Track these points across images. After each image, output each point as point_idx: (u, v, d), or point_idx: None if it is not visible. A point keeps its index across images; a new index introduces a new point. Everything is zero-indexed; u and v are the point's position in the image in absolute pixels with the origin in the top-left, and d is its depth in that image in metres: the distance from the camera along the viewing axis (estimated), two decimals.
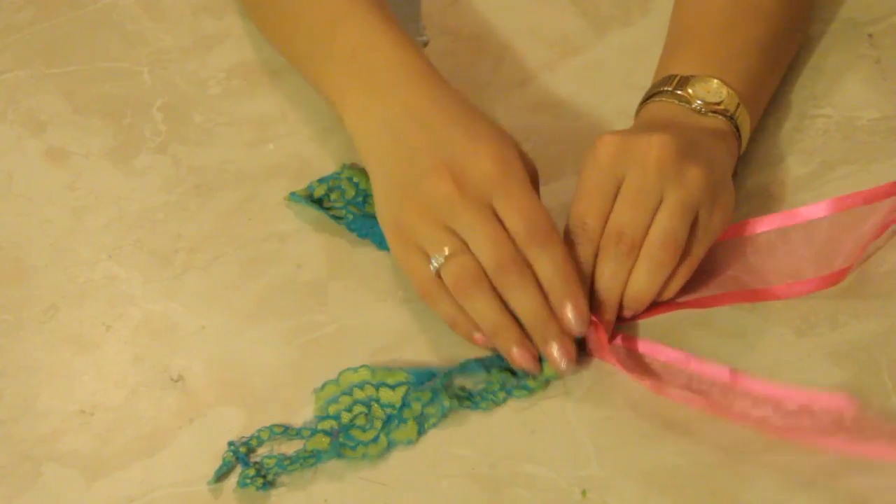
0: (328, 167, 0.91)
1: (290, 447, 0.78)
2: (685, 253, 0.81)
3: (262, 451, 0.78)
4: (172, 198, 0.91)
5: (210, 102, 0.96)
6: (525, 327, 0.80)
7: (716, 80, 0.86)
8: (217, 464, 0.77)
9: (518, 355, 0.80)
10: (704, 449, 0.77)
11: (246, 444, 0.78)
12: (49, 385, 0.82)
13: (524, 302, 0.79)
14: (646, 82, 0.95)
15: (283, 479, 0.77)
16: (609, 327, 0.81)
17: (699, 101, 0.85)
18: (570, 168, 0.90)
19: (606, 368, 0.81)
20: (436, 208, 0.80)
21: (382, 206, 0.83)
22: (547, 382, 0.80)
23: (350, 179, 0.90)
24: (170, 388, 0.81)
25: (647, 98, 0.88)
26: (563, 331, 0.80)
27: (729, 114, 0.85)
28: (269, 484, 0.76)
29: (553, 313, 0.80)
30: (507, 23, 1.00)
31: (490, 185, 0.80)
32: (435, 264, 0.80)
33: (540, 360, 0.80)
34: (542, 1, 1.02)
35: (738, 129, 0.86)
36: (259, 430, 0.78)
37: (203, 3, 1.03)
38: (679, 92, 0.86)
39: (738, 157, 0.87)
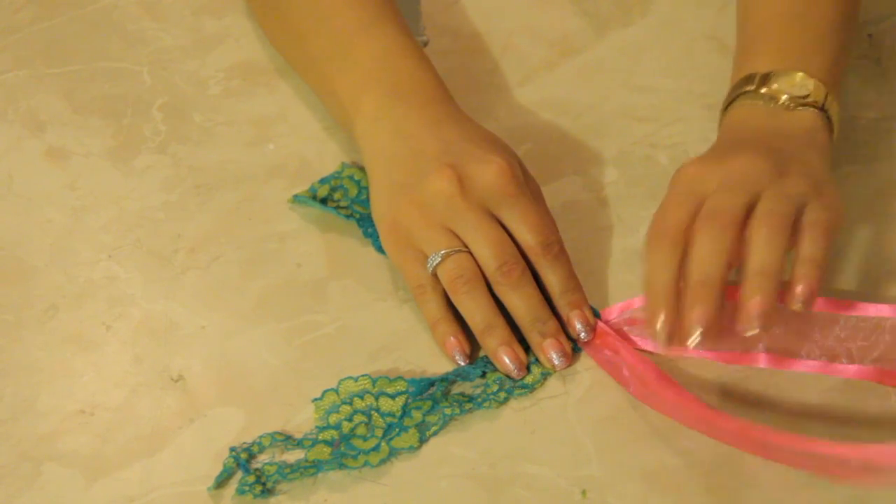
0: (328, 167, 0.91)
1: (292, 454, 0.78)
2: (812, 222, 0.76)
3: (263, 457, 0.78)
4: (172, 198, 0.91)
5: (210, 102, 0.96)
6: (522, 326, 0.81)
7: (800, 73, 0.83)
8: (217, 464, 0.77)
9: (505, 355, 0.80)
10: (704, 449, 0.77)
11: (247, 450, 0.78)
12: (49, 385, 0.82)
13: (525, 300, 0.80)
14: (646, 82, 0.95)
15: (282, 486, 0.77)
16: (708, 315, 0.73)
17: (786, 96, 0.82)
18: (569, 168, 0.90)
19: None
20: (436, 208, 0.81)
21: (381, 206, 0.83)
22: (544, 378, 0.80)
23: (351, 178, 0.90)
24: (170, 388, 0.81)
25: (730, 101, 0.85)
26: (559, 329, 0.81)
27: (819, 105, 0.82)
28: (267, 492, 0.76)
29: (551, 312, 0.81)
30: (507, 23, 1.00)
31: (496, 197, 0.81)
32: (432, 263, 0.81)
33: (527, 366, 0.81)
34: (542, 1, 1.02)
35: (829, 120, 0.83)
36: (261, 437, 0.78)
37: (203, 3, 1.03)
38: (763, 90, 0.83)
39: (833, 148, 0.83)
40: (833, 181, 0.80)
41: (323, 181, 0.90)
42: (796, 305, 0.75)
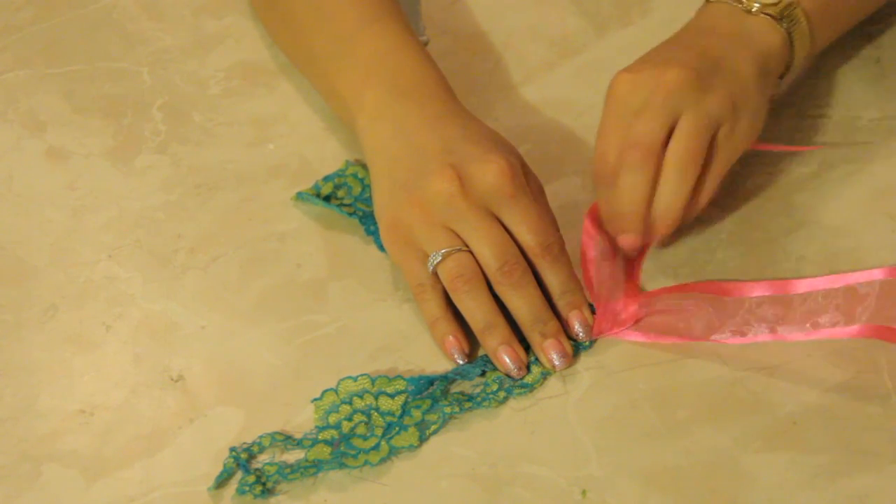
0: (328, 167, 0.91)
1: (292, 454, 0.78)
2: (707, 167, 0.82)
3: (264, 457, 0.78)
4: (172, 198, 0.91)
5: (210, 102, 0.96)
6: (523, 326, 0.81)
7: None
8: (216, 464, 0.77)
9: (505, 354, 0.80)
10: (704, 449, 0.77)
11: (247, 450, 0.78)
12: (49, 385, 0.82)
13: (526, 300, 0.80)
14: None
15: (282, 486, 0.77)
16: (637, 242, 0.82)
17: (756, 4, 0.85)
18: (570, 168, 0.90)
19: (606, 367, 0.81)
20: (438, 208, 0.81)
21: (383, 204, 0.83)
22: (544, 378, 0.80)
23: (355, 176, 0.90)
24: (170, 388, 0.81)
25: None
26: (560, 329, 0.81)
27: (780, 15, 0.85)
28: (267, 492, 0.76)
29: (552, 313, 0.81)
30: (507, 23, 1.00)
31: (497, 197, 0.81)
32: (432, 262, 0.81)
33: (527, 365, 0.81)
34: (542, 1, 1.02)
35: (790, 38, 0.86)
36: (261, 437, 0.78)
37: (203, 3, 1.03)
38: None
39: (786, 69, 0.87)
40: (755, 92, 0.83)
41: (327, 179, 0.90)
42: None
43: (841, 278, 0.82)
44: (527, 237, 0.81)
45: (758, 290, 0.82)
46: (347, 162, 0.91)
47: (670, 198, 0.81)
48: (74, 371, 0.82)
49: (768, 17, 0.85)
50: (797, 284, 0.82)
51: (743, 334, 0.81)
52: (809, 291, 0.82)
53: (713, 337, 0.81)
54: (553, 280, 0.81)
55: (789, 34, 0.86)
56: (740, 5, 0.86)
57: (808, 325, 0.81)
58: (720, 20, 0.86)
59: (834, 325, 0.80)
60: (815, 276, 0.83)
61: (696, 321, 0.81)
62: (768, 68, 0.85)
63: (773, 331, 0.81)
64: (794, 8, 0.86)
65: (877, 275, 0.81)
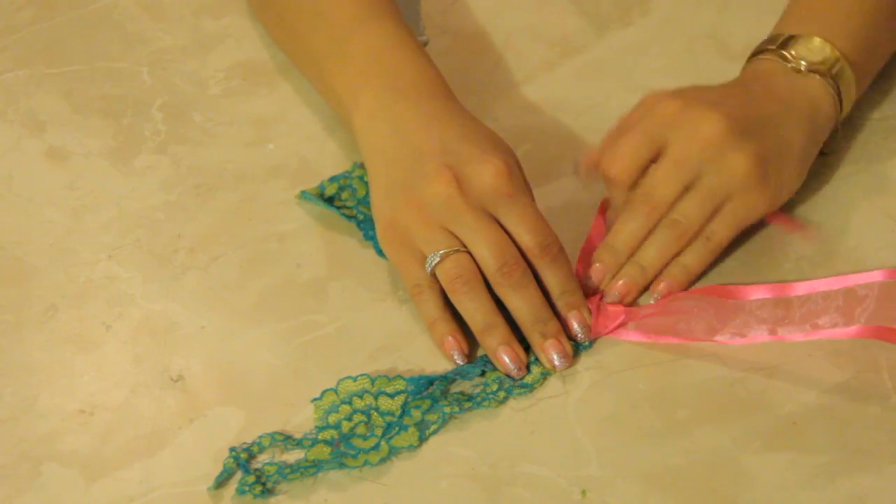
0: (328, 167, 0.91)
1: (292, 454, 0.78)
2: (707, 236, 0.83)
3: (263, 457, 0.78)
4: (172, 198, 0.91)
5: (210, 102, 0.96)
6: (523, 326, 0.81)
7: (818, 39, 0.86)
8: (216, 464, 0.77)
9: (505, 355, 0.80)
10: (704, 449, 0.77)
11: (247, 450, 0.78)
12: (49, 385, 0.82)
13: (526, 300, 0.80)
14: (646, 82, 0.95)
15: (282, 486, 0.77)
16: (603, 275, 0.84)
17: (804, 63, 0.86)
18: (569, 168, 0.90)
19: (606, 367, 0.81)
20: (435, 210, 0.81)
21: (380, 205, 0.83)
22: (544, 378, 0.80)
23: (361, 178, 0.90)
24: (169, 388, 0.81)
25: (754, 53, 0.89)
26: (560, 329, 0.81)
27: (826, 73, 0.86)
28: (267, 492, 0.76)
29: (552, 313, 0.81)
30: (507, 23, 1.00)
31: (494, 198, 0.81)
32: (430, 263, 0.81)
33: (527, 365, 0.81)
34: (542, 1, 1.02)
35: (839, 93, 0.86)
36: (260, 437, 0.78)
37: (203, 3, 1.03)
38: (783, 51, 0.86)
39: (836, 122, 0.87)
40: (796, 164, 0.85)
41: (333, 179, 0.90)
42: (653, 295, 0.83)
43: (840, 280, 0.82)
44: (525, 237, 0.81)
45: (758, 294, 0.82)
46: (355, 164, 0.91)
47: (649, 259, 0.83)
48: (74, 371, 0.82)
49: (816, 74, 0.86)
50: (797, 287, 0.82)
51: (743, 335, 0.81)
52: (809, 293, 0.82)
53: (713, 338, 0.81)
54: (552, 280, 0.81)
55: (837, 89, 0.86)
56: (788, 63, 0.86)
57: (807, 325, 0.81)
58: (772, 79, 0.86)
59: (833, 325, 0.80)
60: (815, 276, 0.83)
61: (697, 322, 0.81)
62: (816, 135, 0.86)
63: (772, 332, 0.81)
64: (841, 62, 0.86)
65: (876, 276, 0.81)
